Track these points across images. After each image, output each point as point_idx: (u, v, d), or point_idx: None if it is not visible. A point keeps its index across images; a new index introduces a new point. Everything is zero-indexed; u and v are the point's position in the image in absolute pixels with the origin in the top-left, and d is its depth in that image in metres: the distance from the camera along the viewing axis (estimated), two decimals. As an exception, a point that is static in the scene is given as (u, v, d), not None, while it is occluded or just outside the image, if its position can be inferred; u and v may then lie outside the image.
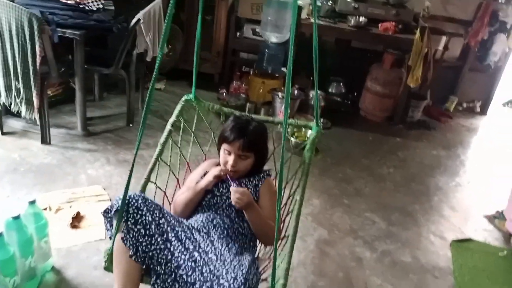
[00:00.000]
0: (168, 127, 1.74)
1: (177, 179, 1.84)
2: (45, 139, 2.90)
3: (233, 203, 1.52)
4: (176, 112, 1.80)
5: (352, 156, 3.51)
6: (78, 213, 2.24)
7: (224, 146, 1.62)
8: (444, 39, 4.39)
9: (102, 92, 3.83)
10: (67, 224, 2.18)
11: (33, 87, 2.63)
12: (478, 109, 5.00)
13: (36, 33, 2.48)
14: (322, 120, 3.96)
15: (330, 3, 4.09)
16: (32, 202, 1.75)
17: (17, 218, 1.63)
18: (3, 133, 2.95)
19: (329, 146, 3.60)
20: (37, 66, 2.57)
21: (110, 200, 2.44)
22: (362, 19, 3.95)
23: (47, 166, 2.69)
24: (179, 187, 1.82)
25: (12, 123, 3.07)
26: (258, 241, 1.65)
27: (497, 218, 2.80)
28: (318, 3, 4.11)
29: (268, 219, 1.57)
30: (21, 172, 2.59)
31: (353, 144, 3.75)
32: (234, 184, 1.57)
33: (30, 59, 2.56)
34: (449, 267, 2.33)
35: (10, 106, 2.73)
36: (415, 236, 2.58)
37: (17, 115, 2.89)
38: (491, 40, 4.58)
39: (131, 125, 3.39)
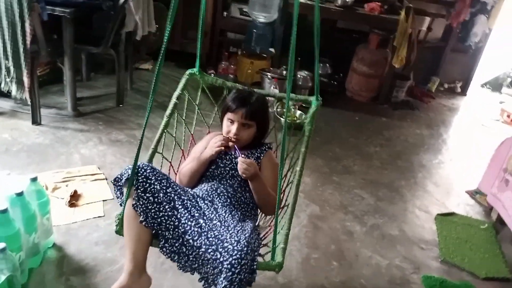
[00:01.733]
0: (174, 99, 1.78)
1: (182, 151, 1.89)
2: (35, 119, 2.88)
3: (240, 173, 1.59)
4: (180, 85, 1.84)
5: (340, 136, 3.59)
6: (75, 192, 2.26)
7: (227, 116, 1.69)
8: (427, 20, 4.47)
9: (90, 72, 3.79)
10: (65, 203, 2.20)
11: (23, 66, 2.60)
12: (459, 90, 5.15)
13: (26, 10, 2.45)
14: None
15: (317, -17, 4.10)
16: (34, 179, 1.77)
17: (20, 194, 1.65)
18: (-9, 114, 2.92)
19: (318, 126, 3.62)
20: (27, 45, 2.54)
21: (106, 179, 2.46)
22: (348, -1, 3.99)
23: (39, 146, 2.68)
24: (184, 159, 1.88)
25: (1, 103, 3.03)
26: (258, 210, 1.72)
27: (478, 193, 2.94)
28: (306, -17, 4.11)
29: (270, 189, 1.64)
30: (13, 152, 2.58)
31: (341, 124, 3.83)
32: (242, 155, 1.63)
33: (20, 38, 2.52)
34: (434, 239, 2.45)
35: (0, 85, 2.70)
36: (401, 210, 2.69)
37: (6, 95, 2.86)
38: (472, 21, 4.71)
39: (121, 105, 3.38)
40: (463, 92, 5.14)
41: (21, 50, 2.55)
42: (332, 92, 4.43)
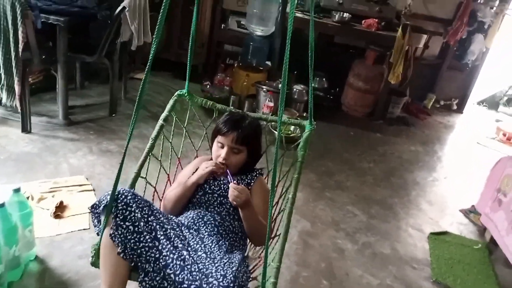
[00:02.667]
0: (160, 121, 1.72)
1: (168, 175, 1.83)
2: (25, 127, 2.84)
3: (231, 199, 1.51)
4: (168, 106, 1.79)
5: (334, 150, 3.57)
6: (61, 203, 2.21)
7: (218, 139, 1.63)
8: (424, 37, 4.48)
9: (84, 80, 3.77)
10: (50, 214, 2.15)
11: (14, 73, 2.57)
12: (455, 107, 5.15)
13: (19, 18, 2.42)
14: (304, 114, 4.00)
15: (315, -2, 4.12)
16: (17, 190, 1.72)
17: (1, 206, 1.61)
18: (-19, 120, 2.88)
19: (312, 140, 3.58)
20: (19, 52, 2.51)
21: (94, 190, 2.42)
22: (346, 15, 4.00)
23: (27, 155, 2.64)
24: (170, 184, 1.80)
25: (-10, 111, 3.00)
26: (248, 240, 1.64)
27: (472, 212, 2.91)
28: (303, -2, 4.14)
29: (260, 217, 1.57)
30: (1, 160, 2.53)
31: (335, 138, 3.81)
32: (234, 181, 1.56)
33: (12, 45, 2.50)
34: (426, 259, 2.41)
35: (-10, 92, 2.67)
36: (394, 228, 2.65)
37: (-2, 102, 2.83)
38: (469, 40, 4.73)
39: (113, 115, 3.35)
40: (459, 110, 5.14)
41: (13, 57, 2.52)
42: (328, 107, 4.42)
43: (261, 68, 4.11)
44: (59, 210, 2.19)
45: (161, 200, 1.71)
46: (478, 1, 4.52)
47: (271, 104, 3.64)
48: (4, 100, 2.66)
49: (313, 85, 4.47)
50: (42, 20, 2.60)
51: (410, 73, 4.24)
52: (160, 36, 1.28)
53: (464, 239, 2.65)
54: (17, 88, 2.61)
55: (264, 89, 3.74)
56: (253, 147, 1.67)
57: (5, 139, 2.75)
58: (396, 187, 3.17)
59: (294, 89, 4.01)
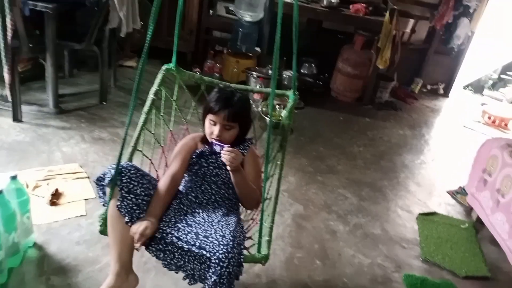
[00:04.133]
0: (151, 95, 1.75)
1: (162, 147, 1.87)
2: (16, 116, 2.83)
3: (227, 163, 1.55)
4: (157, 81, 1.80)
5: (325, 135, 3.62)
6: (56, 190, 2.22)
7: (210, 117, 1.65)
8: (411, 22, 4.53)
9: (72, 69, 3.73)
10: (46, 201, 2.16)
11: (4, 62, 2.54)
12: (442, 91, 5.23)
13: (6, 5, 2.39)
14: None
15: (303, -17, 4.12)
16: (14, 177, 1.73)
17: (0, 193, 1.62)
18: (-30, 110, 2.85)
19: (303, 125, 3.70)
20: (8, 40, 2.49)
21: (88, 177, 2.43)
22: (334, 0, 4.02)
23: (20, 144, 2.63)
24: (165, 156, 1.86)
25: (-21, 100, 2.96)
26: (240, 205, 1.73)
27: (459, 193, 2.99)
28: (292, -17, 4.13)
29: (253, 183, 1.64)
30: (-7, 149, 2.53)
31: (325, 123, 3.85)
32: (227, 146, 1.60)
33: (0, 33, 2.47)
34: (415, 239, 2.49)
35: (-21, 81, 2.64)
36: (384, 210, 2.72)
37: (-14, 91, 2.80)
38: (455, 24, 4.79)
39: (104, 102, 3.34)
40: (446, 94, 5.23)
41: (2, 45, 2.50)
42: (317, 92, 4.46)
43: (251, 54, 4.12)
44: (55, 197, 2.20)
45: (157, 171, 1.80)
46: (464, -14, 4.57)
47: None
48: (-6, 89, 2.63)
49: (302, 70, 4.51)
50: (30, 7, 2.57)
51: (397, 58, 4.30)
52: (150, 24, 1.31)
53: (451, 219, 2.74)
54: (6, 76, 2.59)
55: (255, 75, 3.76)
56: (244, 122, 1.70)
57: (-4, 128, 2.74)
58: (385, 170, 3.24)
59: (284, 75, 4.04)
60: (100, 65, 3.26)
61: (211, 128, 1.65)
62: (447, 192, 3.06)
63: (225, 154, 1.56)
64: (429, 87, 5.24)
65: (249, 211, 1.85)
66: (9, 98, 2.70)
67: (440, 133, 4.21)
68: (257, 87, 3.69)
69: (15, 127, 2.78)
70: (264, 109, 3.48)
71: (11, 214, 1.67)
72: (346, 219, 2.55)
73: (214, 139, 1.64)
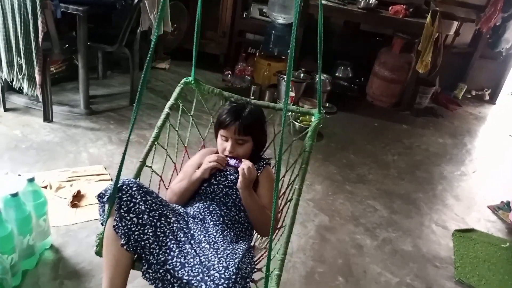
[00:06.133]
0: (166, 110, 1.69)
1: (175, 164, 1.80)
2: (47, 116, 2.88)
3: (240, 173, 1.48)
4: (174, 94, 1.75)
5: (357, 142, 3.47)
6: (78, 192, 2.23)
7: (221, 132, 1.58)
8: (455, 24, 4.28)
9: (106, 70, 3.79)
10: (67, 203, 2.17)
11: (35, 63, 2.59)
12: (487, 98, 4.93)
13: (38, 7, 2.44)
14: (327, 104, 3.91)
15: (340, -16, 3.99)
16: (31, 180, 1.73)
17: (15, 195, 1.62)
18: (5, 109, 2.93)
19: (334, 131, 3.56)
20: (39, 42, 2.53)
21: (111, 179, 2.42)
22: (372, 1, 3.86)
23: (48, 144, 2.67)
24: (177, 172, 1.78)
25: (14, 99, 3.04)
26: (254, 230, 1.61)
27: (501, 209, 2.77)
28: (328, -16, 4.01)
29: (266, 208, 1.53)
30: (22, 149, 2.58)
31: (358, 129, 3.70)
32: (242, 161, 1.53)
33: (32, 35, 2.52)
34: (450, 257, 2.31)
35: (12, 82, 2.71)
36: (417, 224, 2.55)
37: (20, 91, 2.87)
38: (504, 27, 4.48)
39: (134, 104, 3.35)
40: (492, 101, 4.91)
41: (33, 47, 2.55)
42: (352, 97, 4.31)
43: (283, 57, 4.03)
44: (76, 199, 2.21)
45: (167, 189, 1.69)
46: (515, -15, 4.27)
47: (292, 94, 3.57)
48: (25, 90, 2.69)
49: (337, 74, 4.38)
50: (62, 10, 2.61)
51: (439, 62, 4.07)
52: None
53: (491, 237, 2.53)
54: (37, 77, 2.63)
55: (285, 79, 3.66)
56: (257, 135, 1.62)
57: (27, 128, 2.80)
58: (421, 181, 3.05)
59: (317, 78, 3.91)
60: (131, 67, 3.28)
61: (223, 145, 1.58)
62: (488, 207, 2.84)
63: (242, 164, 1.49)
64: (474, 93, 4.94)
65: (264, 238, 1.67)
66: (40, 99, 2.75)
67: (484, 143, 3.94)
68: (288, 91, 3.59)
69: (45, 127, 2.84)
70: (293, 113, 3.38)
71: (26, 217, 1.67)
72: (374, 233, 2.41)
73: (227, 156, 1.56)
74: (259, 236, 1.68)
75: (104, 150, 2.72)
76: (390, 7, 3.90)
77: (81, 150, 2.67)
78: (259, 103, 1.78)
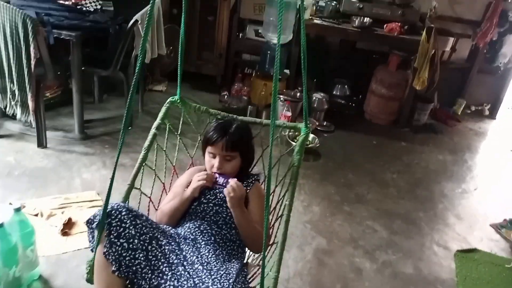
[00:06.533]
0: (153, 130, 1.68)
1: (163, 184, 1.78)
2: (41, 142, 2.86)
3: (225, 193, 1.47)
4: (160, 114, 1.75)
5: (355, 161, 3.42)
6: (69, 220, 2.19)
7: (208, 149, 1.59)
8: (451, 40, 4.27)
9: (102, 94, 3.78)
10: (58, 231, 2.13)
11: (28, 89, 2.58)
12: (487, 113, 4.88)
13: (30, 34, 2.44)
14: (325, 123, 3.89)
15: (334, 3, 4.01)
16: (18, 209, 1.69)
17: (0, 226, 1.58)
18: (0, 136, 2.91)
19: (332, 150, 3.52)
20: (31, 68, 2.52)
21: (104, 205, 2.38)
22: (366, 19, 3.87)
23: (41, 170, 2.64)
24: (166, 193, 1.77)
25: (9, 126, 3.03)
26: (246, 247, 1.60)
27: (504, 227, 2.70)
28: (322, 3, 4.03)
29: (257, 224, 1.52)
30: (15, 176, 2.55)
31: (357, 148, 3.66)
32: (229, 180, 1.51)
33: (24, 61, 2.51)
34: (452, 279, 2.24)
35: (5, 108, 2.69)
36: (417, 245, 2.48)
37: (15, 117, 2.86)
38: (501, 41, 4.48)
39: (130, 128, 3.34)
40: (492, 116, 4.87)
41: (26, 73, 2.54)
42: (350, 115, 4.28)
43: (279, 77, 4.02)
44: (67, 227, 2.17)
45: (157, 209, 1.67)
46: (509, 1, 4.27)
47: (289, 114, 3.54)
48: (18, 116, 2.68)
49: (334, 92, 4.36)
50: (55, 36, 2.61)
51: (437, 78, 4.05)
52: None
53: (494, 257, 2.46)
54: (30, 103, 2.62)
55: (281, 99, 3.64)
56: (245, 151, 1.62)
57: (21, 154, 2.77)
58: (421, 199, 2.99)
59: (314, 97, 3.89)
60: (125, 90, 3.27)
61: (211, 162, 1.58)
62: (491, 225, 2.77)
63: (229, 184, 1.47)
64: (473, 108, 4.90)
65: (256, 255, 1.68)
66: (33, 125, 2.74)
67: (485, 159, 3.88)
68: (284, 110, 3.57)
69: (39, 153, 2.81)
70: (290, 133, 3.35)
71: (12, 248, 1.63)
72: (373, 255, 2.34)
73: (216, 172, 1.54)
74: (251, 252, 1.66)
75: (97, 175, 2.69)
76: (385, 25, 3.91)
77: (74, 176, 2.64)
78: (246, 119, 1.79)
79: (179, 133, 1.81)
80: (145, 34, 1.22)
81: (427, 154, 3.74)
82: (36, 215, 2.22)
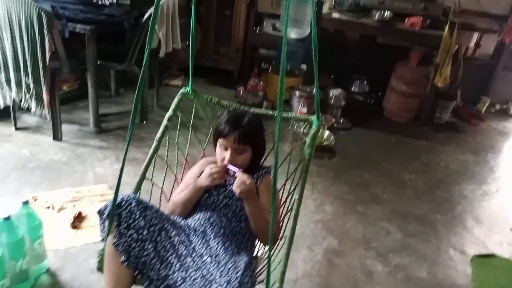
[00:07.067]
0: (165, 122, 1.68)
1: (175, 176, 1.78)
2: (56, 135, 2.89)
3: (234, 188, 1.46)
4: (173, 106, 1.75)
5: (372, 159, 3.34)
6: (80, 213, 2.20)
7: (220, 142, 1.57)
8: (476, 35, 4.12)
9: (119, 88, 3.80)
10: (68, 224, 2.14)
11: (42, 83, 2.60)
12: (513, 111, 4.70)
13: (45, 27, 2.45)
14: (341, 120, 3.81)
15: (354, -4, 3.91)
16: (26, 203, 1.70)
17: (7, 219, 1.59)
18: (16, 128, 2.96)
19: (348, 148, 3.45)
20: (46, 62, 2.54)
21: (115, 200, 2.38)
22: (387, 13, 3.76)
23: (55, 163, 2.67)
24: (177, 184, 1.77)
25: (26, 119, 3.08)
26: (257, 240, 1.60)
27: (526, 232, 2.59)
28: (342, -3, 3.94)
29: (268, 216, 1.48)
30: (29, 168, 2.57)
31: (374, 146, 3.57)
32: (241, 170, 1.50)
33: (39, 55, 2.53)
34: (468, 285, 2.16)
35: (20, 101, 2.72)
36: (433, 249, 2.40)
37: (31, 110, 2.89)
38: (529, 37, 4.28)
39: (144, 122, 3.34)
40: (518, 114, 4.69)
41: (41, 66, 2.56)
42: (368, 112, 4.19)
43: (296, 73, 3.96)
44: (78, 220, 2.18)
45: (168, 201, 1.67)
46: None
47: (305, 110, 3.48)
48: (33, 109, 2.70)
49: (353, 88, 4.27)
50: (70, 29, 2.62)
51: (460, 75, 3.91)
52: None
53: (514, 263, 2.36)
54: (45, 97, 2.64)
55: (297, 95, 3.59)
56: (257, 144, 1.60)
57: (36, 147, 2.80)
58: (439, 201, 2.90)
59: (331, 93, 3.82)
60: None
61: (222, 154, 1.56)
62: (511, 229, 2.66)
63: (237, 178, 1.45)
64: (498, 106, 4.72)
65: (267, 248, 1.65)
66: (48, 118, 2.76)
67: (508, 160, 3.73)
68: (300, 106, 3.51)
69: (54, 146, 2.84)
70: (305, 130, 3.28)
71: (19, 241, 1.64)
72: (386, 257, 2.28)
73: (223, 171, 1.52)
74: (262, 245, 1.65)
75: (110, 169, 2.69)
76: (406, 19, 3.79)
77: (87, 170, 2.65)
78: (258, 111, 1.76)
79: (191, 124, 1.80)
80: (152, 27, 1.20)
81: (448, 154, 3.63)
82: (48, 208, 2.24)
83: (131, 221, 1.28)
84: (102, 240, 1.38)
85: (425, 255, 2.34)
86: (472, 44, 4.07)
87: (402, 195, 2.91)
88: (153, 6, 1.17)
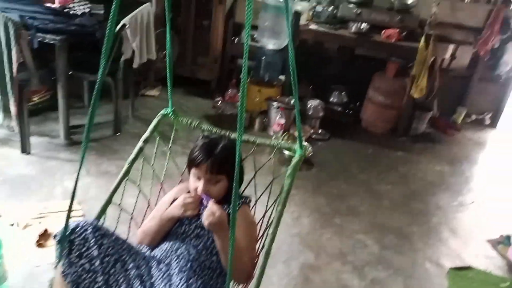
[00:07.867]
0: (140, 143, 1.59)
1: (149, 201, 1.68)
2: (25, 148, 2.79)
3: (203, 219, 1.34)
4: (150, 127, 1.65)
5: (349, 171, 3.33)
6: (45, 231, 2.11)
7: (192, 171, 1.46)
8: (451, 47, 4.18)
9: (93, 98, 3.71)
10: (34, 242, 2.05)
11: (10, 94, 2.51)
12: (488, 121, 4.77)
13: (12, 38, 2.37)
14: (320, 131, 3.80)
15: (331, 8, 3.93)
16: (-16, 223, 1.62)
17: (-37, 241, 1.50)
18: (-17, 141, 2.85)
19: (326, 159, 3.43)
20: (13, 73, 2.46)
21: (84, 215, 2.30)
22: (363, 25, 3.79)
23: (24, 178, 2.57)
24: (150, 210, 1.66)
25: (-6, 131, 2.97)
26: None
27: (501, 244, 2.60)
28: (319, 8, 3.95)
29: (242, 251, 1.38)
30: (-5, 183, 2.48)
31: (352, 157, 3.56)
32: (211, 201, 1.39)
33: (7, 65, 2.45)
34: (444, 299, 2.15)
35: (-13, 113, 2.63)
36: (409, 262, 2.39)
37: (-1, 122, 2.80)
38: (502, 49, 4.38)
39: (118, 134, 3.27)
40: (493, 125, 4.76)
41: (8, 77, 2.47)
42: (346, 122, 4.19)
43: (274, 83, 3.94)
44: (43, 238, 2.09)
45: (140, 228, 1.58)
46: (511, 8, 4.17)
47: (282, 121, 3.46)
48: (0, 121, 2.61)
49: (331, 99, 4.24)
50: (39, 39, 2.55)
51: (436, 86, 3.95)
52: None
53: (489, 275, 2.36)
54: (13, 108, 2.55)
55: (275, 105, 3.56)
56: (232, 173, 1.48)
57: (4, 161, 2.70)
58: (415, 213, 2.90)
59: (309, 104, 3.80)
60: (113, 96, 3.20)
61: (196, 183, 1.45)
62: (487, 241, 2.67)
63: (206, 210, 1.34)
64: (474, 117, 4.79)
65: (241, 286, 1.52)
66: (16, 131, 2.67)
67: (484, 170, 3.77)
68: (277, 117, 3.49)
69: (22, 160, 2.74)
70: (282, 142, 3.25)
71: (-25, 263, 1.55)
72: (362, 271, 2.25)
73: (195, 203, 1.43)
74: (235, 283, 1.52)
75: (80, 183, 2.57)
76: (383, 31, 3.83)
77: (56, 184, 2.56)
78: (233, 136, 1.66)
79: (169, 147, 1.71)
80: (108, 37, 1.14)
81: (424, 165, 3.64)
82: (12, 225, 2.14)
83: (84, 249, 1.20)
84: (55, 267, 1.27)
85: (401, 268, 2.32)
86: (447, 55, 4.12)
87: (379, 206, 2.90)
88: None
